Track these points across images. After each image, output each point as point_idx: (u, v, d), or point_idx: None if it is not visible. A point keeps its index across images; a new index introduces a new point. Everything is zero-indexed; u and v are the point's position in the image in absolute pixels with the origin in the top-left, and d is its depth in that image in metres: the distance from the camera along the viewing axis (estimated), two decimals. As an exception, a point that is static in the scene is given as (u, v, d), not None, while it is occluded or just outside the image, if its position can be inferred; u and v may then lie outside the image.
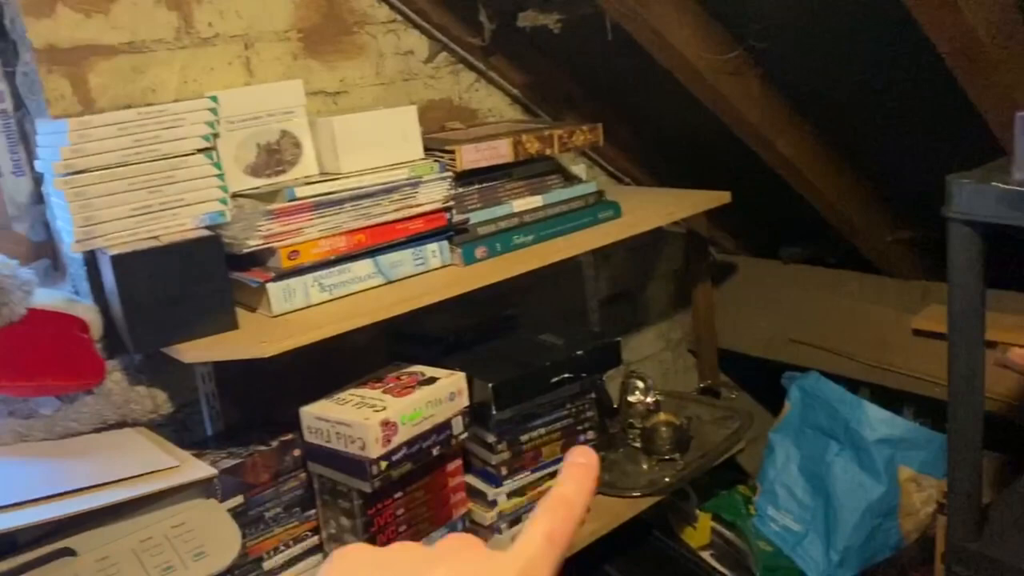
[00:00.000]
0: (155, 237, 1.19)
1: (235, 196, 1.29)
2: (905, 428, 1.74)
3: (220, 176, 1.24)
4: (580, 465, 0.39)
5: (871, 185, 1.71)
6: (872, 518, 1.76)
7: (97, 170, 1.15)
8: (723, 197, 1.70)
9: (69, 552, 0.99)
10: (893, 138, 1.53)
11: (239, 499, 1.29)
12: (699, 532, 1.93)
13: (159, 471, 1.06)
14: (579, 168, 1.76)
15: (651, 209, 1.67)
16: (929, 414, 1.77)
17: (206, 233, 1.21)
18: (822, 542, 1.81)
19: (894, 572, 1.80)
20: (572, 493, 0.38)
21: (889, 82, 1.38)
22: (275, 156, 1.36)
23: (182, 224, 1.21)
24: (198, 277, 1.17)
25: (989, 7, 1.05)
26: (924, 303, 1.80)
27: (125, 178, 1.17)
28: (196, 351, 1.16)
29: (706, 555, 1.92)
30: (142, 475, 1.05)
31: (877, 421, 1.74)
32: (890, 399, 1.81)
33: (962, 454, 1.11)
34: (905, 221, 1.74)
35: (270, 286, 1.22)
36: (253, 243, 1.21)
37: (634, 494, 1.64)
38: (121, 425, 1.26)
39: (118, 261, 1.13)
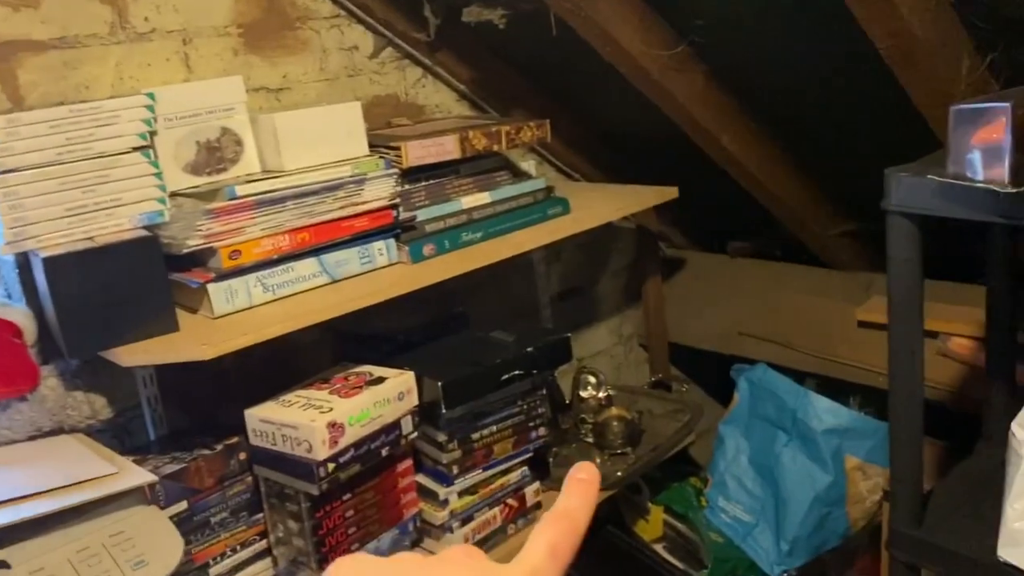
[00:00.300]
0: (90, 238, 1.16)
1: (174, 195, 1.26)
2: (851, 418, 1.76)
3: (158, 175, 1.21)
4: (582, 481, 0.39)
5: (815, 179, 1.73)
6: (820, 507, 1.78)
7: (28, 169, 1.11)
8: (670, 192, 1.71)
9: (3, 565, 0.96)
10: (836, 133, 1.55)
11: (183, 505, 1.26)
12: (651, 525, 1.94)
13: (96, 479, 1.03)
14: (528, 164, 1.75)
15: (600, 205, 1.67)
16: (874, 404, 1.81)
17: (144, 233, 1.18)
18: (772, 532, 1.84)
19: (843, 560, 1.83)
20: (575, 508, 0.38)
21: (830, 78, 1.40)
22: (216, 154, 1.33)
23: (118, 224, 1.18)
24: (135, 279, 1.14)
25: (923, 3, 1.07)
26: (868, 295, 1.83)
27: (57, 177, 1.14)
28: (134, 355, 1.13)
29: (659, 547, 1.93)
30: (78, 483, 1.02)
31: (824, 411, 1.77)
32: (836, 389, 1.84)
33: (903, 442, 1.13)
34: (849, 214, 1.77)
35: (211, 287, 1.19)
36: (193, 243, 1.19)
37: (586, 489, 1.64)
38: (57, 432, 1.23)
39: (51, 263, 1.10)
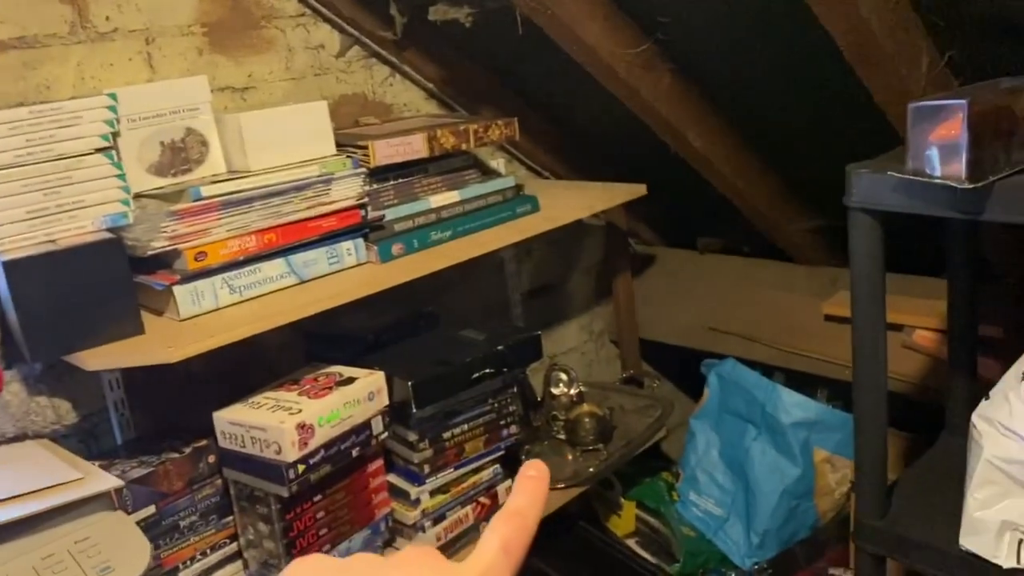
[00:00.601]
0: (52, 241, 1.14)
1: (138, 197, 1.25)
2: (818, 411, 1.78)
3: (121, 176, 1.20)
4: (531, 478, 0.40)
5: (781, 176, 1.75)
6: (790, 500, 1.80)
7: (-13, 171, 1.09)
8: (639, 190, 1.72)
9: (-35, 573, 0.95)
10: (801, 130, 1.57)
11: (151, 509, 1.25)
12: (624, 520, 1.95)
13: (60, 485, 1.02)
14: (498, 163, 1.75)
15: (569, 203, 1.67)
16: (841, 397, 1.83)
17: (107, 236, 1.16)
18: (743, 525, 1.85)
19: (812, 551, 1.85)
20: (525, 505, 0.39)
21: (795, 75, 1.42)
22: (180, 155, 1.32)
23: (81, 227, 1.17)
24: (99, 281, 1.13)
25: (882, 1, 1.09)
26: (834, 289, 1.85)
27: (18, 179, 1.12)
28: (99, 358, 1.12)
29: (631, 543, 1.94)
30: (42, 490, 1.01)
31: (792, 405, 1.79)
32: (804, 383, 1.86)
33: (867, 434, 1.14)
34: (814, 210, 1.79)
35: (176, 289, 1.18)
36: (157, 245, 1.17)
37: (559, 486, 1.65)
38: (21, 438, 1.21)
39: (12, 267, 1.08)
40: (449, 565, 0.36)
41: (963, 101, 0.89)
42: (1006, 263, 1.56)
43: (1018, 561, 1.02)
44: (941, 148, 0.92)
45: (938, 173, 0.93)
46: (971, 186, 0.90)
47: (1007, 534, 1.02)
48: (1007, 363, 1.09)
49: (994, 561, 1.03)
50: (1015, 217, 0.93)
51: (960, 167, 0.91)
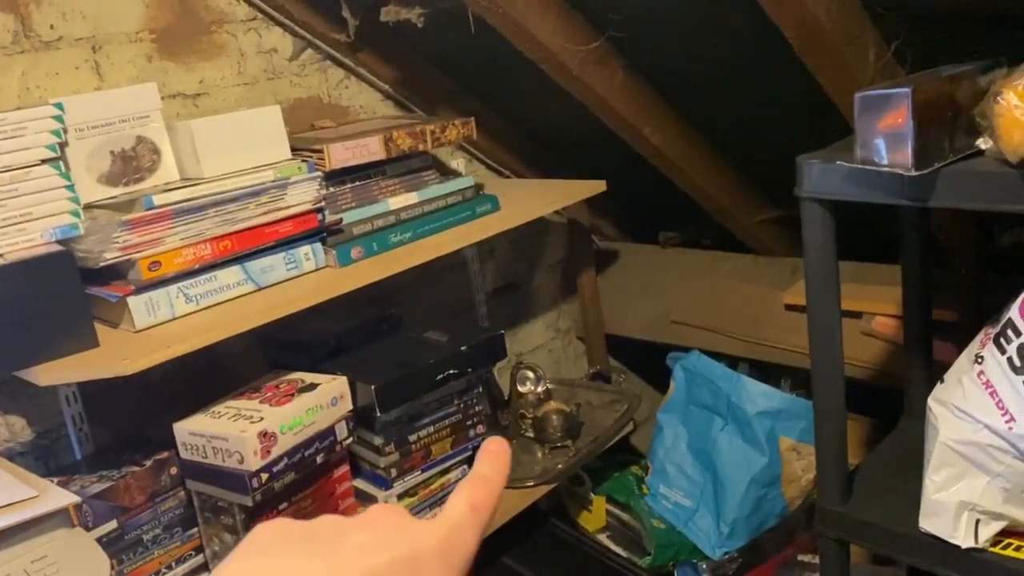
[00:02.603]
0: (0, 255, 1.12)
1: (89, 207, 1.23)
2: (783, 400, 1.80)
3: (70, 187, 1.18)
4: (493, 452, 0.41)
5: (737, 169, 1.76)
6: (757, 488, 1.82)
7: (-71, 186, 1.07)
8: (598, 186, 1.73)
9: (-83, 598, 0.92)
10: (754, 122, 1.58)
11: (112, 524, 1.23)
12: (595, 515, 1.96)
13: (15, 503, 1.00)
14: (458, 163, 1.75)
15: (529, 201, 1.67)
16: (804, 385, 1.85)
17: (57, 248, 1.14)
18: (712, 515, 1.87)
19: (781, 538, 1.87)
20: (490, 472, 0.39)
21: (746, 68, 1.43)
22: (132, 163, 1.30)
23: (30, 240, 1.15)
24: (50, 295, 1.11)
25: (828, -7, 1.10)
26: (794, 279, 1.87)
27: (-38, 194, 1.09)
28: (52, 373, 1.10)
29: (603, 537, 1.95)
30: (-4, 509, 0.99)
31: (757, 395, 1.80)
32: (768, 373, 1.88)
33: (826, 420, 1.15)
34: (772, 202, 1.81)
35: (131, 300, 1.16)
36: (110, 256, 1.16)
37: (528, 484, 1.65)
38: (-25, 457, 1.19)
39: (-42, 283, 1.06)
40: (416, 522, 0.36)
41: (907, 90, 0.90)
42: (958, 249, 1.59)
43: (976, 540, 1.04)
44: (888, 136, 0.93)
45: (885, 161, 0.94)
46: (917, 173, 0.91)
47: (964, 514, 1.04)
48: (962, 346, 1.11)
49: (952, 541, 1.04)
50: (960, 202, 0.94)
51: (907, 155, 0.92)
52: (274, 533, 0.35)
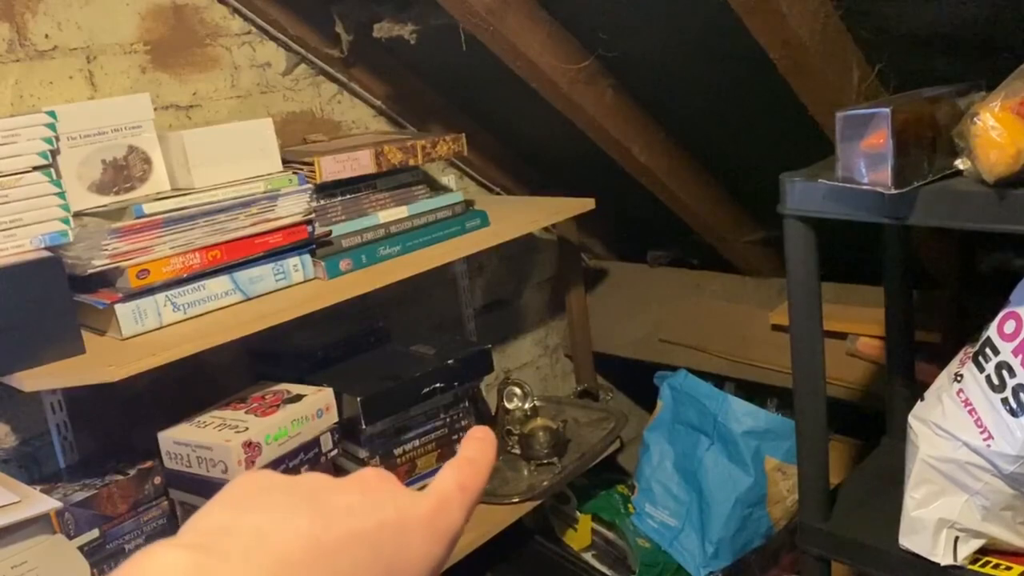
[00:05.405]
0: (-12, 260, 1.12)
1: (79, 215, 1.23)
2: (768, 420, 1.81)
3: (60, 195, 1.18)
4: (478, 439, 0.40)
5: (725, 188, 1.78)
6: (743, 508, 1.82)
7: (-81, 191, 1.08)
8: (587, 204, 1.74)
9: None
10: (740, 142, 1.60)
11: (95, 533, 1.22)
12: (580, 534, 1.96)
13: (-4, 508, 1.00)
14: (449, 179, 1.77)
15: (518, 217, 1.69)
16: (790, 405, 1.84)
17: (46, 255, 1.15)
18: (697, 535, 1.87)
19: (766, 558, 1.87)
20: (476, 454, 0.39)
21: (731, 88, 1.45)
22: (123, 172, 1.31)
23: (19, 246, 1.15)
24: (38, 301, 1.11)
25: (812, 13, 1.12)
26: (781, 299, 1.88)
27: (-48, 199, 1.10)
28: (37, 379, 1.10)
29: (588, 556, 1.95)
30: (-23, 514, 0.98)
31: (743, 414, 1.81)
32: (754, 392, 1.89)
33: (808, 438, 1.16)
34: (759, 222, 1.83)
35: (118, 307, 1.17)
36: (98, 263, 1.16)
37: (513, 500, 1.64)
38: (-43, 463, 1.18)
39: (-54, 287, 1.06)
40: (406, 491, 0.35)
41: (887, 109, 0.92)
42: (941, 270, 1.60)
43: (955, 558, 1.04)
44: (868, 156, 0.95)
45: (866, 179, 0.96)
46: (896, 191, 0.93)
47: (943, 532, 1.05)
48: (945, 367, 1.12)
49: (932, 559, 1.05)
50: (938, 221, 0.96)
51: (886, 173, 0.94)
52: (256, 485, 0.33)
